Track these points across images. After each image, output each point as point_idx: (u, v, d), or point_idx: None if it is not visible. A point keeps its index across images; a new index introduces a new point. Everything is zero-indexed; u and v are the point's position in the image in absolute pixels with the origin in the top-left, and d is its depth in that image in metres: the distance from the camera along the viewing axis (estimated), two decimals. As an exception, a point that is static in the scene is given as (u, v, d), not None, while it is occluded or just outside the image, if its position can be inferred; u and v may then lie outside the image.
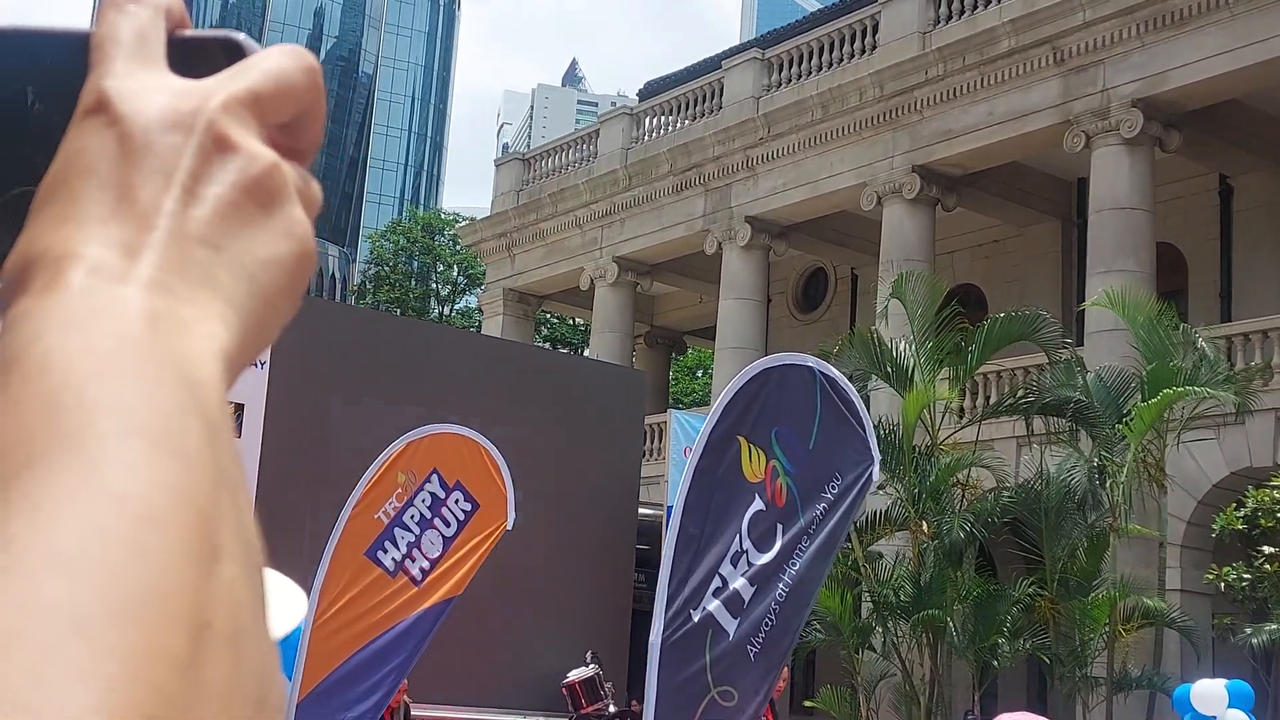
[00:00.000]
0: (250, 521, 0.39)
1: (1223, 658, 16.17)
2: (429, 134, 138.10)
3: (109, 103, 0.43)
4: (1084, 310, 18.91)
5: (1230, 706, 9.79)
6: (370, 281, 49.56)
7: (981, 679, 16.11)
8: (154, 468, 0.37)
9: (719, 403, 6.19)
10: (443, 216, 52.88)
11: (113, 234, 0.42)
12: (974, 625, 15.39)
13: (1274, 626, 13.11)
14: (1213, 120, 20.29)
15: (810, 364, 6.40)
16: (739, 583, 5.95)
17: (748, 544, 5.99)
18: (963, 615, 15.49)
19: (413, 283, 49.13)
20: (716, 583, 5.91)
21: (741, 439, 6.05)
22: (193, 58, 0.47)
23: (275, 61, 0.47)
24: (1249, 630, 13.58)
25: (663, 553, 12.56)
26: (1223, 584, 14.01)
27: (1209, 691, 9.63)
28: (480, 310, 35.57)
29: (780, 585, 6.08)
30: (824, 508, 6.18)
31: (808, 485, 6.15)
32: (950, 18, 22.24)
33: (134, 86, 0.44)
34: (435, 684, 11.41)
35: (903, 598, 15.98)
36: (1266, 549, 13.57)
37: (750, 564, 5.99)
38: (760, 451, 6.07)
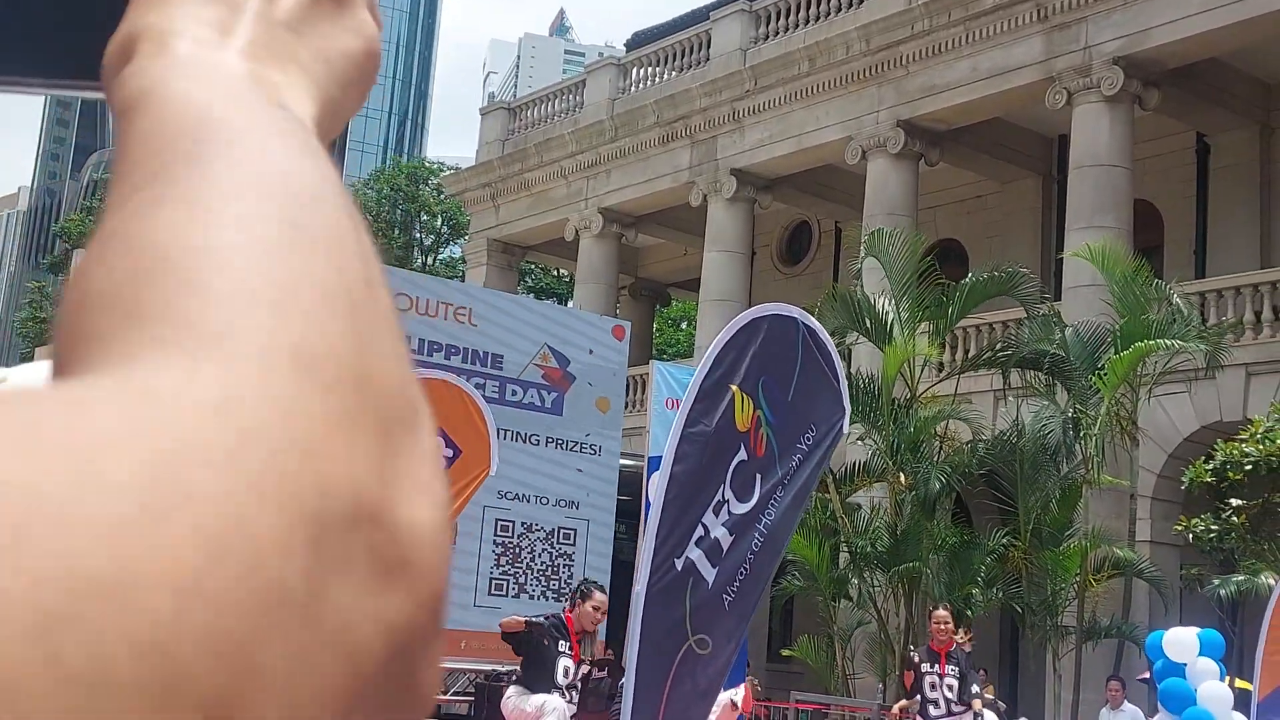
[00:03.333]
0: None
1: (1190, 608, 16.55)
2: (414, 81, 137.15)
3: None
4: (1062, 266, 19.16)
5: (1201, 654, 10.10)
6: (354, 230, 49.44)
7: (955, 628, 16.47)
8: (304, 161, 0.41)
9: (710, 351, 6.33)
10: (427, 165, 52.78)
11: (207, 14, 0.47)
12: (949, 575, 15.73)
13: (1241, 578, 13.45)
14: (1192, 79, 20.47)
15: (794, 315, 6.57)
16: (719, 531, 6.13)
17: (729, 493, 6.18)
18: (938, 565, 15.82)
19: (396, 232, 49.09)
20: (699, 531, 6.09)
21: (734, 388, 6.21)
22: None
23: None
24: (1216, 581, 13.94)
25: (649, 502, 12.84)
26: (1191, 535, 14.35)
27: (1181, 639, 9.94)
28: (464, 260, 35.67)
29: (756, 534, 6.29)
30: (799, 458, 6.38)
31: (785, 436, 6.34)
32: (936, -28, 22.30)
33: None
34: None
35: (879, 548, 16.32)
36: (1234, 501, 13.89)
37: (730, 513, 6.18)
38: (749, 400, 6.25)
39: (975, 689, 11.49)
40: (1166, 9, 18.98)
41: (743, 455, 6.20)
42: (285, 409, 0.33)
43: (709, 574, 6.09)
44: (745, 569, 6.28)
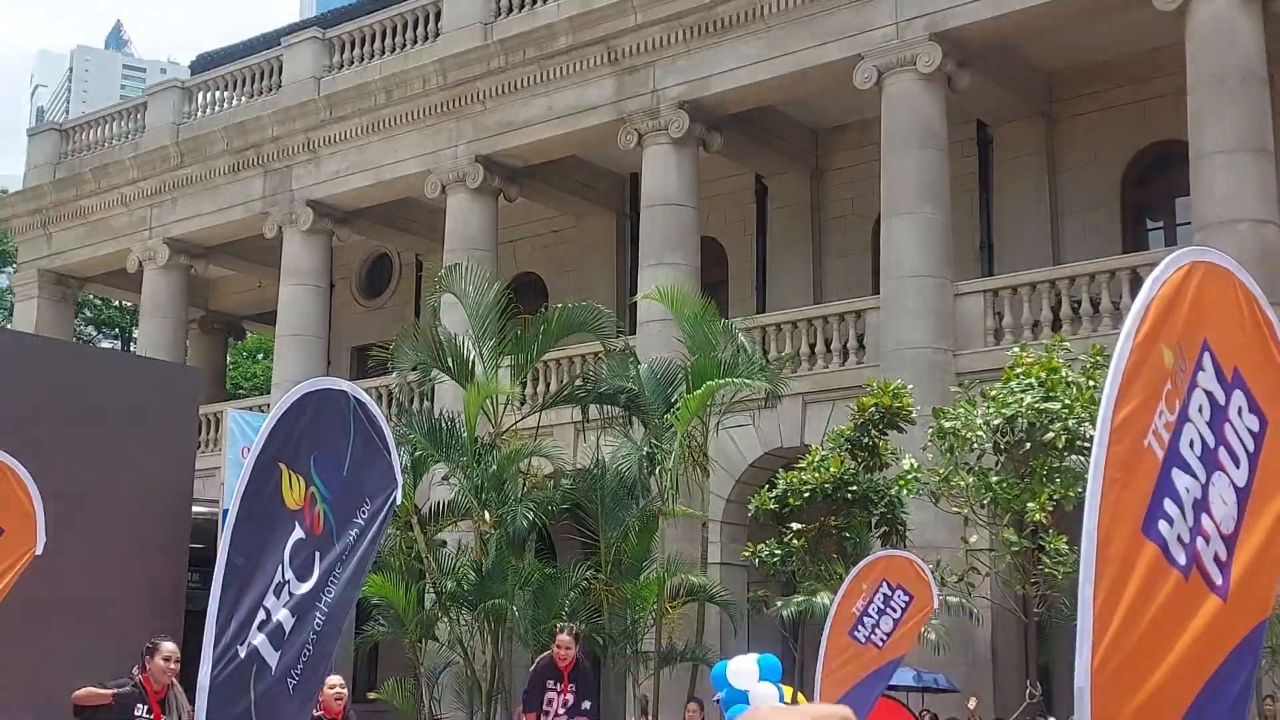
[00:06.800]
0: None
1: (758, 629, 17.51)
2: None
3: None
4: (637, 301, 19.85)
5: (761, 679, 10.63)
6: (-120, 256, 44.56)
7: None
8: None
9: (263, 429, 6.13)
10: (-31, 186, 48.32)
11: None
12: (535, 610, 15.88)
13: (800, 599, 14.32)
14: (750, 124, 21.80)
15: (344, 388, 6.48)
16: (281, 614, 5.90)
17: (289, 574, 5.97)
18: (524, 601, 15.95)
19: (-68, 259, 44.64)
20: (261, 615, 5.83)
21: (282, 466, 6.02)
22: None
23: None
24: (780, 603, 14.77)
25: (211, 587, 12.22)
26: (757, 560, 15.15)
27: (741, 668, 10.41)
28: (12, 292, 32.90)
29: (318, 614, 6.10)
30: (355, 533, 6.28)
31: (342, 511, 6.22)
32: (511, 10, 22.66)
33: None
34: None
35: (465, 586, 16.27)
36: (795, 525, 14.78)
37: (291, 594, 5.96)
38: (300, 478, 6.06)
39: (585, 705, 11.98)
40: (725, 59, 20.12)
41: (300, 534, 6.02)
42: None
43: (272, 659, 5.84)
44: (309, 650, 6.08)
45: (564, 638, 12.16)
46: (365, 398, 6.48)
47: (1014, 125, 21.39)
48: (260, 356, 41.15)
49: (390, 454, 6.42)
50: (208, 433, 23.59)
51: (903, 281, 18.02)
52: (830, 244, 23.19)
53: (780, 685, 10.97)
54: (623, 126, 20.97)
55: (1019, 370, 13.74)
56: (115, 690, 8.73)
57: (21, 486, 7.28)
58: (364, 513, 6.29)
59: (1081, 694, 3.45)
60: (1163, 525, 3.57)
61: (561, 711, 11.82)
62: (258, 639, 5.78)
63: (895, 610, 10.07)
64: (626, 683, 16.63)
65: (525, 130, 22.03)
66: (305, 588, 6.02)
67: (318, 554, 6.09)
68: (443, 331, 17.51)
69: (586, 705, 11.99)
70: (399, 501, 6.58)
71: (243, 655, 5.70)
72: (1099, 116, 20.80)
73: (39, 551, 7.34)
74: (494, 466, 16.17)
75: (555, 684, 11.92)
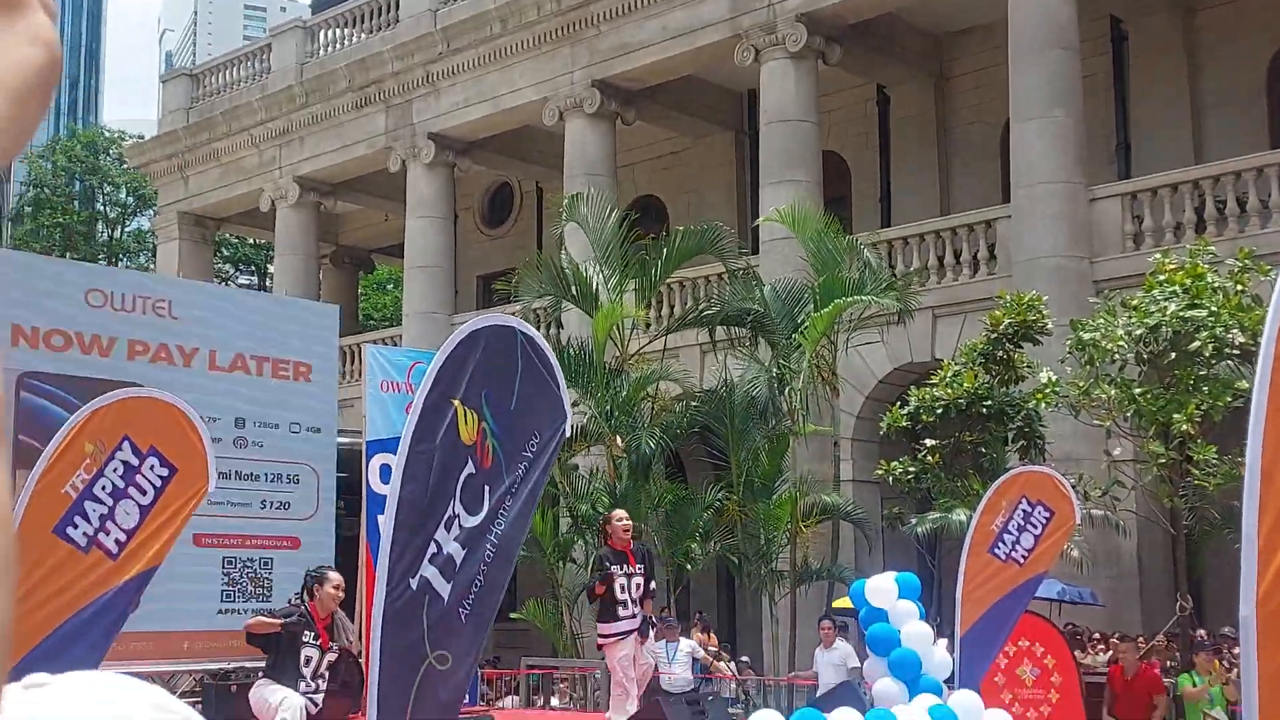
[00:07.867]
0: None
1: (892, 545, 17.49)
2: (84, 43, 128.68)
3: None
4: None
5: (900, 597, 10.62)
6: (29, 205, 46.22)
7: (676, 580, 16.91)
8: None
9: (431, 369, 6.23)
10: (107, 134, 49.69)
11: None
12: (669, 531, 16.07)
13: (936, 515, 14.25)
14: (870, 34, 21.35)
15: (512, 324, 6.54)
16: (451, 547, 6.06)
17: (459, 508, 6.11)
18: (657, 522, 16.14)
19: (77, 205, 46.16)
20: (432, 548, 5.99)
21: (456, 403, 6.13)
22: None
23: None
24: (914, 520, 14.71)
25: (370, 487, 12.50)
26: (890, 478, 15.07)
27: (880, 586, 10.41)
28: (154, 234, 33.91)
29: (488, 546, 6.24)
30: (525, 466, 6.37)
31: (511, 445, 6.31)
32: (623, -69, 22.41)
33: None
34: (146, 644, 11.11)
35: (600, 509, 16.50)
36: (929, 442, 14.65)
37: (462, 527, 6.11)
38: (473, 414, 6.17)
39: (653, 586, 11.31)
40: (843, -32, 19.66)
41: (470, 469, 6.13)
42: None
43: (444, 590, 6.01)
44: (480, 581, 6.23)
45: (619, 511, 11.24)
46: (533, 332, 6.55)
47: (1150, 20, 20.61)
48: (390, 287, 41.88)
49: (559, 387, 6.49)
50: (344, 364, 24.17)
51: (1034, 188, 17.58)
52: (956, 153, 22.71)
53: (920, 603, 10.94)
54: (739, 43, 20.71)
55: (1161, 277, 13.32)
56: (284, 619, 9.09)
57: (191, 427, 7.56)
58: (533, 446, 6.39)
59: (1247, 622, 3.41)
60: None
61: (636, 595, 11.13)
62: (429, 571, 5.95)
63: (1036, 526, 9.93)
64: (762, 600, 16.77)
65: (641, 52, 21.89)
66: (475, 521, 6.15)
67: (487, 488, 6.21)
68: (566, 260, 17.62)
69: (653, 586, 11.29)
70: (568, 434, 6.66)
71: (414, 587, 5.89)
72: (1242, 6, 19.93)
73: (210, 489, 7.65)
74: (624, 391, 16.30)
75: (622, 565, 11.19)
